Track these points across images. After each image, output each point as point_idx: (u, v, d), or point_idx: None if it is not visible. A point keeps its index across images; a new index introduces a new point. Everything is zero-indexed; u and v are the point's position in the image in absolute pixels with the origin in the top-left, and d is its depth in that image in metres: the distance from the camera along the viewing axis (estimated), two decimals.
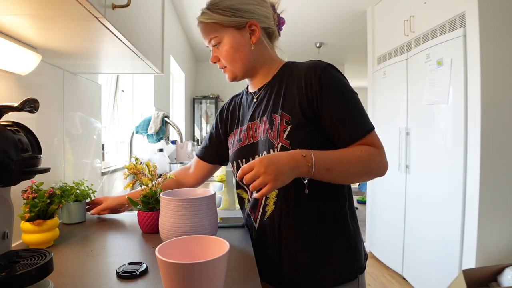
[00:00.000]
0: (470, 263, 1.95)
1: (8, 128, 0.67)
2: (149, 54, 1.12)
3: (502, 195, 1.94)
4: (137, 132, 1.95)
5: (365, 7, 3.36)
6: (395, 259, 2.76)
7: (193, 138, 5.21)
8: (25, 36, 0.83)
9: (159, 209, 0.87)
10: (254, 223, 0.90)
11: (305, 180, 0.79)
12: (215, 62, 0.90)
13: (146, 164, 1.10)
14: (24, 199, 0.82)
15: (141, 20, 1.04)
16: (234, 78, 0.91)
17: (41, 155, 0.73)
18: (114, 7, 0.74)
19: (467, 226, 1.99)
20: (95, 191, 1.16)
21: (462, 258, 2.02)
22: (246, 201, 0.95)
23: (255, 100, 0.92)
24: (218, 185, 2.13)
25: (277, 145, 0.80)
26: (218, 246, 0.59)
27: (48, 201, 0.83)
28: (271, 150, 0.81)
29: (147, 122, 1.93)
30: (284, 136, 0.79)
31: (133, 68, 1.35)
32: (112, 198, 1.13)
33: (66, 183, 1.09)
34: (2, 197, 0.69)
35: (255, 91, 0.93)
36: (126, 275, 0.68)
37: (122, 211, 1.15)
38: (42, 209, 0.82)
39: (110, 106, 2.09)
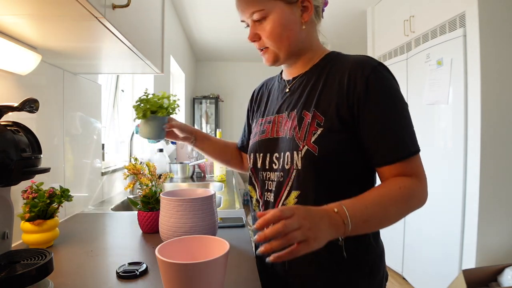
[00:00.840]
0: (470, 263, 1.95)
1: (8, 128, 0.67)
2: (149, 54, 1.12)
3: (502, 195, 1.93)
4: (137, 132, 1.95)
5: (365, 7, 3.36)
6: (395, 259, 2.76)
7: None
8: (25, 36, 0.83)
9: (159, 209, 0.87)
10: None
11: (340, 241, 0.67)
12: (254, 41, 0.76)
13: (146, 164, 1.10)
14: (24, 199, 0.82)
15: (141, 20, 1.04)
16: (275, 61, 0.77)
17: (41, 155, 0.73)
18: (114, 7, 0.74)
19: (467, 226, 1.99)
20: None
21: (462, 258, 2.02)
22: (254, 201, 0.83)
23: (287, 90, 0.80)
24: (218, 185, 2.13)
25: (302, 148, 0.69)
26: (218, 246, 0.59)
27: (48, 201, 0.83)
28: (294, 153, 0.70)
29: None
30: (313, 139, 0.68)
31: (133, 68, 1.35)
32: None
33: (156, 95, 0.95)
34: (2, 197, 0.69)
35: (289, 80, 0.81)
36: (126, 275, 0.68)
37: (186, 141, 0.99)
38: (42, 209, 0.82)
39: (110, 106, 2.09)
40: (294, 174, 0.70)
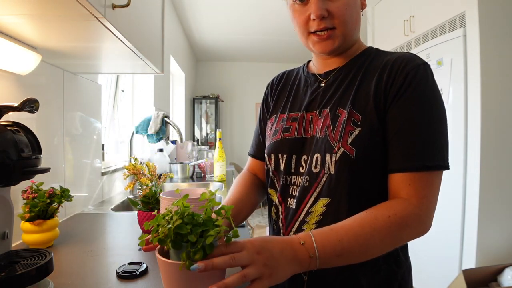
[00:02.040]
0: (470, 263, 1.95)
1: (8, 128, 0.67)
2: (149, 54, 1.12)
3: (502, 195, 1.93)
4: (137, 132, 1.95)
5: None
6: None
7: (193, 138, 5.21)
8: (25, 36, 0.83)
9: (159, 209, 0.87)
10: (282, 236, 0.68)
11: (304, 276, 0.62)
12: (323, 17, 0.63)
13: (146, 164, 1.10)
14: (24, 199, 0.82)
15: (141, 20, 1.04)
16: (338, 47, 0.66)
17: (41, 155, 0.73)
18: (114, 7, 0.74)
19: (467, 226, 1.99)
20: None
21: (462, 258, 2.02)
22: (273, 207, 0.74)
23: (322, 84, 0.71)
24: (218, 185, 2.13)
25: (337, 150, 0.61)
26: None
27: (48, 201, 0.83)
28: (327, 155, 0.62)
29: (147, 122, 1.93)
30: (349, 140, 0.60)
31: (133, 68, 1.35)
32: None
33: None
34: (2, 197, 0.69)
35: (321, 74, 0.73)
36: (126, 275, 0.68)
37: None
38: (42, 209, 0.82)
39: (110, 106, 2.09)
40: (324, 179, 0.63)
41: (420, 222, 0.56)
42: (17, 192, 0.84)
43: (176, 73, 4.08)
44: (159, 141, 1.97)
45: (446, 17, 2.21)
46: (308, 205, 0.64)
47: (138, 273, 0.69)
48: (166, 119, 1.94)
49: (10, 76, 0.92)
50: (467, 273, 1.78)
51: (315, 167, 0.64)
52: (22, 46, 0.86)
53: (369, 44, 3.38)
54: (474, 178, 1.94)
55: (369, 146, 0.60)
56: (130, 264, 0.74)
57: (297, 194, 0.66)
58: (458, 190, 2.03)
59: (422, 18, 2.49)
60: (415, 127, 0.58)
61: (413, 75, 0.60)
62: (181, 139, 2.03)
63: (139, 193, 1.02)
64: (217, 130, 2.26)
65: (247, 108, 5.64)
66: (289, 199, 0.69)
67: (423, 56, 2.36)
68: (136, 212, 1.03)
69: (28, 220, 0.82)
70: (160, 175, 1.11)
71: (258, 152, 0.84)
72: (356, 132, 0.60)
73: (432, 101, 0.60)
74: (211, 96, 5.30)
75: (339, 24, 0.64)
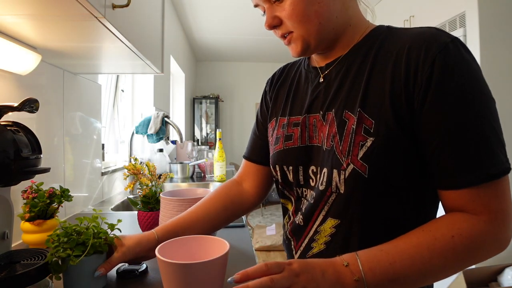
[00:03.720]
0: None
1: (8, 128, 0.67)
2: (149, 54, 1.12)
3: None
4: (137, 132, 1.95)
5: (365, 7, 3.37)
6: None
7: (193, 138, 5.21)
8: (25, 36, 0.83)
9: (159, 209, 0.87)
10: (293, 251, 0.63)
11: None
12: (274, 27, 0.58)
13: (146, 164, 1.10)
14: (24, 199, 0.82)
15: (141, 20, 1.04)
16: (305, 50, 0.58)
17: (41, 155, 0.73)
18: (114, 7, 0.74)
19: None
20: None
21: None
22: (287, 215, 0.68)
23: (321, 80, 0.60)
24: (218, 185, 2.13)
25: (346, 166, 0.51)
26: (218, 246, 0.59)
27: (48, 201, 0.83)
28: (334, 172, 0.52)
29: (147, 122, 1.93)
30: (360, 154, 0.49)
31: (133, 68, 1.35)
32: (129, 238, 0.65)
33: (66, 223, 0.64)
34: (2, 197, 0.69)
35: (321, 67, 0.62)
36: (126, 275, 0.68)
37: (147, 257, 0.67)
38: (42, 209, 0.82)
39: (110, 106, 2.09)
40: (333, 198, 0.54)
41: (496, 241, 0.45)
42: (17, 192, 0.84)
43: (176, 73, 4.08)
44: (159, 141, 1.97)
45: (446, 17, 2.21)
46: (317, 223, 0.57)
47: (138, 273, 0.69)
48: (166, 119, 1.94)
49: (10, 76, 0.92)
50: (467, 273, 1.78)
51: (321, 184, 0.55)
52: (22, 46, 0.86)
53: None
54: None
55: (386, 160, 0.49)
56: (130, 264, 0.74)
57: (304, 210, 0.60)
58: None
59: (422, 18, 2.49)
60: (463, 129, 0.45)
61: (443, 60, 0.46)
62: (181, 139, 2.03)
63: (139, 193, 1.02)
64: (217, 130, 2.26)
65: (247, 108, 5.64)
66: (299, 212, 0.62)
67: None
68: (136, 212, 1.03)
69: (28, 220, 0.81)
70: (160, 175, 1.11)
71: (252, 155, 0.76)
72: (369, 143, 0.49)
73: (476, 88, 0.46)
74: (211, 96, 5.30)
75: (293, 27, 0.56)
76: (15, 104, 0.70)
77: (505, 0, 1.92)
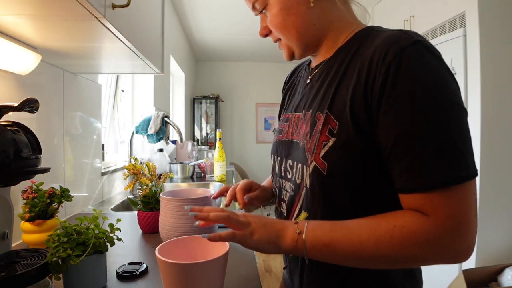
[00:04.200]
0: (470, 263, 1.95)
1: (8, 128, 0.67)
2: (149, 54, 1.12)
3: (502, 195, 1.93)
4: (137, 132, 1.95)
5: (365, 7, 3.36)
6: None
7: (193, 138, 5.21)
8: (25, 36, 0.83)
9: (159, 209, 0.87)
10: None
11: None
12: (265, 35, 0.64)
13: (146, 164, 1.10)
14: (24, 199, 0.82)
15: (141, 20, 1.04)
16: (291, 55, 0.63)
17: (41, 155, 0.73)
18: (114, 7, 0.74)
19: None
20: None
21: None
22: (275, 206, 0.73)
23: (308, 80, 0.65)
24: (218, 185, 2.13)
25: (310, 163, 0.54)
26: (218, 246, 0.59)
27: (48, 201, 0.83)
28: (304, 167, 0.57)
29: (147, 122, 1.93)
30: (322, 153, 0.52)
31: (133, 68, 1.35)
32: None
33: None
34: (2, 197, 0.69)
35: (312, 68, 0.66)
36: (126, 275, 0.68)
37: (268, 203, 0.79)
38: (42, 209, 0.82)
39: (110, 106, 2.09)
40: (304, 192, 0.58)
41: (439, 245, 0.45)
42: (17, 192, 0.84)
43: (176, 73, 4.08)
44: (159, 141, 1.97)
45: (446, 17, 2.21)
46: (295, 214, 0.61)
47: (138, 273, 0.69)
48: (166, 119, 1.94)
49: (10, 76, 0.92)
50: (467, 273, 1.78)
51: (298, 178, 0.59)
52: (22, 46, 0.86)
53: None
54: None
55: (344, 160, 0.51)
56: (130, 264, 0.74)
57: (287, 201, 0.64)
58: None
59: (422, 18, 2.49)
60: (413, 137, 0.45)
61: (397, 66, 0.46)
62: (181, 139, 2.03)
63: (139, 193, 1.02)
64: (217, 130, 2.26)
65: (247, 108, 5.63)
66: (282, 203, 0.66)
67: None
68: (136, 212, 1.03)
69: (28, 220, 0.82)
70: (160, 175, 1.11)
71: None
72: (330, 143, 0.52)
73: (432, 93, 0.45)
74: (211, 96, 5.30)
75: (279, 35, 0.62)
76: (15, 104, 0.70)
77: (505, 0, 1.92)
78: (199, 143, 5.18)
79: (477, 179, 1.74)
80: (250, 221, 0.52)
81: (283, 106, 0.76)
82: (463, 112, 0.47)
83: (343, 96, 0.52)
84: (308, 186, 0.56)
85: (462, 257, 0.46)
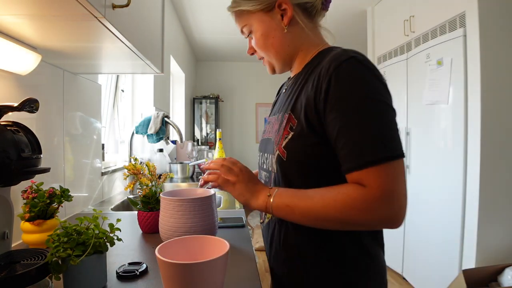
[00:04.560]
0: (470, 263, 1.95)
1: (8, 128, 0.68)
2: (149, 54, 1.12)
3: (502, 195, 1.93)
4: (137, 132, 1.95)
5: (365, 7, 3.36)
6: (395, 259, 2.76)
7: (193, 138, 5.21)
8: (25, 36, 0.83)
9: (159, 209, 0.87)
10: (260, 215, 0.86)
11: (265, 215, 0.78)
12: (252, 54, 0.82)
13: (146, 164, 1.10)
14: (24, 199, 0.82)
15: (141, 20, 1.04)
16: (273, 70, 0.81)
17: (41, 155, 0.73)
18: (114, 7, 0.74)
19: (467, 226, 1.99)
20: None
21: (462, 258, 2.02)
22: None
23: (283, 90, 0.82)
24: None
25: (275, 152, 0.70)
26: (218, 246, 0.59)
27: (48, 201, 0.83)
28: (271, 156, 0.73)
29: (147, 122, 1.93)
30: (283, 144, 0.67)
31: (133, 68, 1.35)
32: None
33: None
34: (2, 197, 0.70)
35: (290, 79, 0.83)
36: (126, 275, 0.68)
37: None
38: (42, 209, 0.82)
39: (110, 106, 2.09)
40: (273, 177, 0.73)
41: (372, 209, 0.56)
42: (17, 192, 0.84)
43: (176, 73, 4.08)
44: (159, 141, 1.97)
45: (446, 17, 2.21)
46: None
47: (138, 273, 0.69)
48: (166, 119, 1.94)
49: (10, 76, 0.92)
50: (467, 273, 1.78)
51: (269, 166, 0.75)
52: (22, 46, 0.86)
53: (369, 44, 3.38)
54: (474, 178, 1.94)
55: (298, 149, 0.65)
56: (130, 264, 0.74)
57: None
58: (458, 190, 2.03)
59: (422, 18, 2.49)
60: (349, 128, 0.58)
61: (336, 76, 0.60)
62: (181, 139, 2.03)
63: (139, 193, 1.02)
64: (217, 130, 2.26)
65: (247, 108, 5.63)
66: None
67: (423, 56, 2.36)
68: (136, 212, 1.03)
69: (28, 220, 0.81)
70: (160, 175, 1.11)
71: None
72: (290, 136, 0.67)
73: (362, 96, 0.59)
74: (211, 96, 5.30)
75: (262, 54, 0.78)
76: (15, 104, 0.70)
77: (505, 0, 1.92)
78: (199, 143, 5.18)
79: (477, 179, 1.75)
80: (238, 174, 0.70)
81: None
82: (389, 109, 0.61)
83: (301, 100, 0.67)
84: (275, 172, 0.71)
85: (392, 222, 0.58)
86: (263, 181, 0.80)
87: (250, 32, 0.77)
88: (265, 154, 0.79)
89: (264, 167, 0.79)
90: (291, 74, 0.82)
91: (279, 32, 0.73)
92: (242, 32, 0.79)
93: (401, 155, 0.58)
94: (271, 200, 0.65)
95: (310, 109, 0.64)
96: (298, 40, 0.75)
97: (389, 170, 0.57)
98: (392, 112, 0.61)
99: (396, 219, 0.57)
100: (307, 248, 0.68)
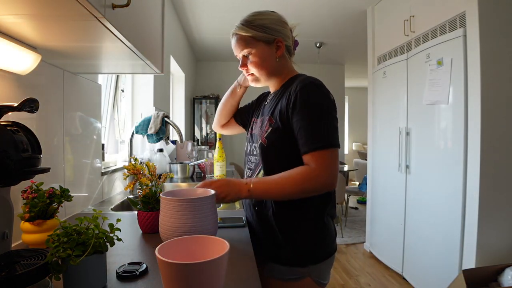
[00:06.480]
0: (470, 263, 1.95)
1: (8, 128, 0.67)
2: (149, 54, 1.12)
3: (502, 195, 1.93)
4: (137, 132, 1.95)
5: (365, 7, 3.36)
6: (395, 259, 2.76)
7: (193, 138, 5.21)
8: (25, 36, 0.83)
9: (159, 209, 0.87)
10: None
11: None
12: (243, 68, 1.06)
13: (146, 164, 1.10)
14: (24, 199, 0.82)
15: (141, 20, 1.04)
16: (256, 82, 1.08)
17: (41, 155, 0.73)
18: (114, 7, 0.74)
19: (467, 226, 1.99)
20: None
21: (462, 258, 2.02)
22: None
23: (267, 102, 1.12)
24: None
25: (258, 141, 1.00)
26: (218, 246, 0.59)
27: (48, 201, 0.83)
28: (254, 145, 1.06)
29: (147, 122, 1.93)
30: (265, 135, 0.98)
31: (133, 68, 1.35)
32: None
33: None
34: (2, 197, 0.69)
35: (270, 93, 1.13)
36: (126, 275, 0.68)
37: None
38: (42, 209, 0.82)
39: (110, 106, 2.09)
40: (259, 159, 1.02)
41: (316, 178, 0.87)
42: (17, 192, 0.84)
43: (176, 73, 4.08)
44: (159, 141, 1.97)
45: (446, 17, 2.21)
46: (256, 173, 1.03)
47: (138, 273, 0.69)
48: (166, 119, 1.94)
49: (10, 76, 0.92)
50: (467, 273, 1.78)
51: (255, 151, 1.04)
52: (22, 46, 0.86)
53: (369, 44, 3.39)
54: (474, 178, 1.94)
55: (274, 139, 0.96)
56: (130, 264, 0.74)
57: (251, 167, 1.07)
58: (458, 190, 2.03)
59: (422, 18, 2.49)
60: (305, 125, 0.90)
61: (300, 92, 0.92)
62: (181, 139, 2.03)
63: (139, 193, 1.02)
64: None
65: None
66: (248, 170, 1.10)
67: (423, 56, 2.36)
68: (136, 212, 1.03)
69: (28, 220, 0.81)
70: (160, 175, 1.11)
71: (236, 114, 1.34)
72: (269, 130, 0.98)
73: (313, 106, 0.90)
74: (211, 96, 5.30)
75: (253, 71, 1.04)
76: (15, 104, 0.70)
77: (505, 0, 1.92)
78: (199, 143, 5.18)
79: (477, 179, 1.75)
80: (219, 186, 0.93)
81: (250, 109, 1.24)
82: (331, 116, 0.92)
83: (278, 108, 0.99)
84: (259, 155, 1.00)
85: (327, 187, 0.89)
86: (252, 164, 1.08)
87: (249, 54, 1.02)
88: (253, 144, 1.07)
89: (253, 153, 1.06)
90: (270, 90, 1.13)
91: (273, 59, 1.02)
92: (241, 51, 1.03)
93: (337, 145, 0.90)
94: (251, 186, 0.91)
95: (283, 113, 0.95)
96: (282, 68, 1.05)
97: (326, 155, 0.88)
98: (334, 119, 0.92)
99: (330, 185, 0.89)
100: (280, 213, 0.97)
